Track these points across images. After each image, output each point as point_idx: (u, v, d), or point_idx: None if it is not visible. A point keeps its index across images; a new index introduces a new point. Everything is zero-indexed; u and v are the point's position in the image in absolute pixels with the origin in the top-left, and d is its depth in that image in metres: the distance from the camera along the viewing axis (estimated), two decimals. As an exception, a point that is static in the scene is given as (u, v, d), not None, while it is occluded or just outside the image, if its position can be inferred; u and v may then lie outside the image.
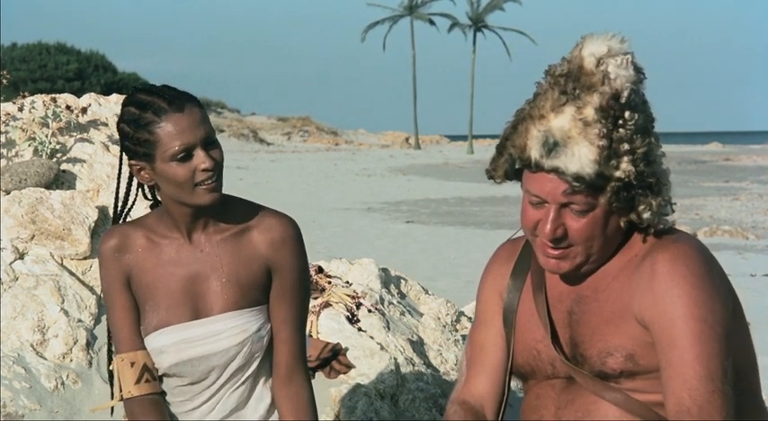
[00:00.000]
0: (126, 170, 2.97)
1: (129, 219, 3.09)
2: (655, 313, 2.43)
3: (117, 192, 3.09)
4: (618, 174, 2.42)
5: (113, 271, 2.96)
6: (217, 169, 2.83)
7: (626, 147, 2.42)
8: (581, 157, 2.40)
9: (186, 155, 2.81)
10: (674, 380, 2.40)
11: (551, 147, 2.42)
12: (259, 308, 2.94)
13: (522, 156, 2.48)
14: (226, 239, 2.92)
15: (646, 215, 2.47)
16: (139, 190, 3.03)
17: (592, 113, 2.42)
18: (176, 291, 2.92)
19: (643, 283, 2.47)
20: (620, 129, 2.42)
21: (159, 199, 2.98)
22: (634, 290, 2.48)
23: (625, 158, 2.42)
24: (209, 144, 2.84)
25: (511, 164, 2.54)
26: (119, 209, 3.08)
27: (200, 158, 2.81)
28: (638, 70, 2.49)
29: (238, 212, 2.95)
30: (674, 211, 2.53)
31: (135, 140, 2.84)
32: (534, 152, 2.45)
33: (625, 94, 2.43)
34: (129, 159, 2.90)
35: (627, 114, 2.43)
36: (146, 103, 2.83)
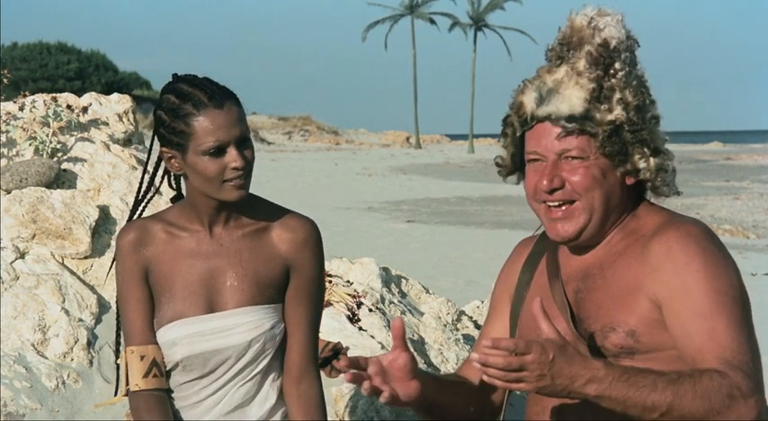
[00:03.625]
0: (152, 160, 2.98)
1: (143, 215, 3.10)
2: (673, 287, 2.47)
3: (142, 179, 3.09)
4: (609, 117, 2.51)
5: (130, 264, 2.96)
6: (247, 168, 2.85)
7: (617, 95, 2.53)
8: (571, 98, 2.52)
9: (218, 151, 2.82)
10: (708, 343, 2.41)
11: (544, 95, 2.54)
12: (274, 306, 2.95)
13: (519, 113, 2.58)
14: (246, 235, 2.94)
15: (642, 165, 2.54)
16: (165, 178, 3.04)
17: (583, 63, 2.54)
18: (193, 283, 2.93)
19: (656, 261, 2.50)
20: (612, 79, 2.53)
21: (182, 193, 3.00)
22: (644, 267, 2.52)
23: (616, 105, 2.52)
24: (243, 143, 2.85)
25: (514, 140, 2.62)
26: (140, 195, 3.08)
27: (232, 156, 2.83)
28: (628, 31, 2.59)
29: (260, 211, 2.97)
30: (677, 192, 2.60)
31: (170, 129, 2.85)
32: (529, 105, 2.56)
33: (614, 43, 2.54)
34: (162, 146, 2.91)
35: (617, 64, 2.54)
36: (186, 94, 2.84)
